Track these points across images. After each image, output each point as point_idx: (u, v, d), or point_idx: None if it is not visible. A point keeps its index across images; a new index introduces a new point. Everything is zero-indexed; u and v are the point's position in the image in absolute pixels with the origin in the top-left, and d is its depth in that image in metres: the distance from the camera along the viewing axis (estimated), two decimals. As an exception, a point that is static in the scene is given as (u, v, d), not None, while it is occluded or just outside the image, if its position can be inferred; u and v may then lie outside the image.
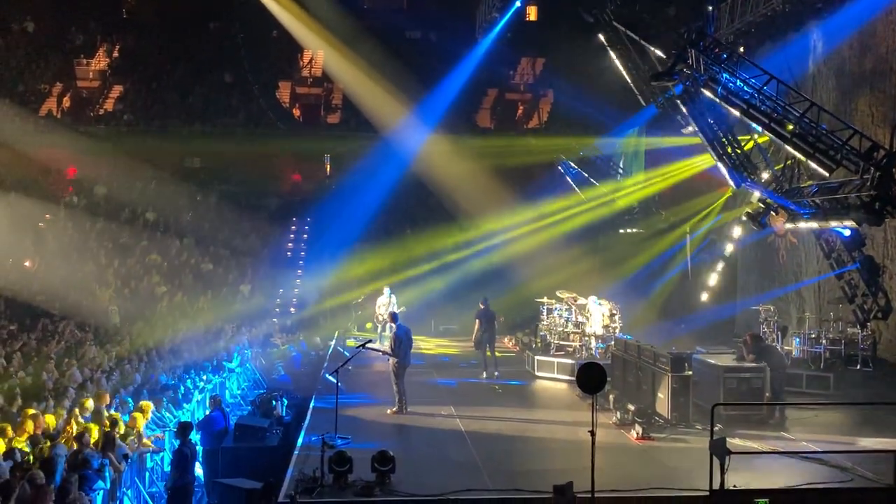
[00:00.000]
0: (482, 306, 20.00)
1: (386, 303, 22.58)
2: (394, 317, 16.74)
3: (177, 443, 12.40)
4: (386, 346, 17.16)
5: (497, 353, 19.96)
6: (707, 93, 17.04)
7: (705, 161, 21.59)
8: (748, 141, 18.56)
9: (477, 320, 19.79)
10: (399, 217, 30.93)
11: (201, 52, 36.01)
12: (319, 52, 35.36)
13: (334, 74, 34.42)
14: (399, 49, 32.77)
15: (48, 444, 11.35)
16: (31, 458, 10.90)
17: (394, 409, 15.39)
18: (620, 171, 30.41)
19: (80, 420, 12.72)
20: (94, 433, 11.82)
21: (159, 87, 35.11)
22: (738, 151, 18.00)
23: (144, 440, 13.35)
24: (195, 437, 13.08)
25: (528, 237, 28.51)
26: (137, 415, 13.40)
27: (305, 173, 34.02)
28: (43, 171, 31.61)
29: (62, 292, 24.78)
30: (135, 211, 30.48)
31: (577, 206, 29.33)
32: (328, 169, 34.41)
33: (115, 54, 36.49)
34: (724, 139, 18.06)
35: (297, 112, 36.40)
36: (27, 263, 27.22)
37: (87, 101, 35.49)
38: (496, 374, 19.32)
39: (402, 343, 15.69)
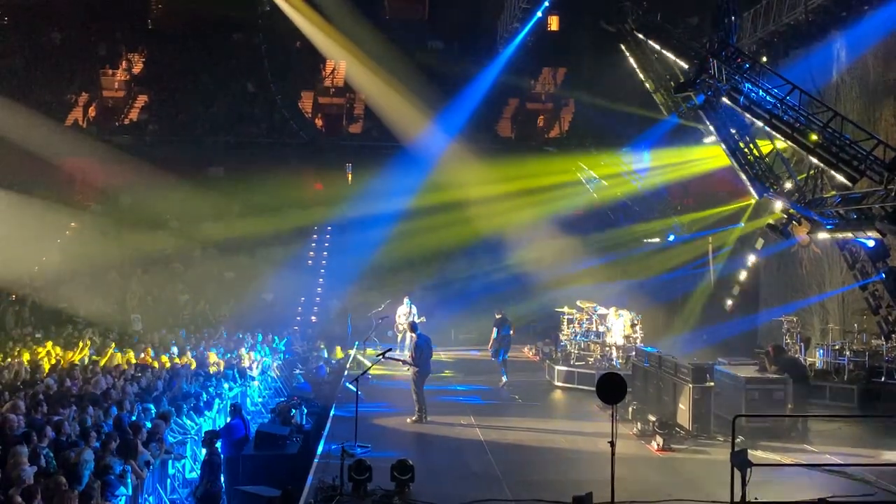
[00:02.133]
0: (498, 316, 20.25)
1: (406, 312, 22.62)
2: (413, 326, 16.77)
3: (204, 451, 12.49)
4: (406, 355, 17.20)
5: (515, 361, 19.96)
6: (729, 103, 16.98)
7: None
8: (768, 146, 18.45)
9: (494, 329, 20.03)
10: (419, 226, 30.94)
11: (225, 62, 36.36)
12: (342, 62, 35.58)
13: (356, 85, 34.62)
14: (421, 59, 32.93)
15: (73, 450, 11.45)
16: (55, 464, 11.00)
17: (413, 417, 15.40)
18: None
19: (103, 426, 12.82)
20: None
21: (183, 96, 35.48)
22: (761, 161, 17.92)
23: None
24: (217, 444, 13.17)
25: (549, 245, 28.46)
26: (160, 421, 13.51)
27: (327, 182, 34.20)
28: (69, 179, 32.02)
29: (87, 299, 25.06)
30: (159, 220, 30.75)
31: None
32: (350, 178, 34.58)
33: (140, 65, 36.92)
34: (745, 149, 17.99)
35: (319, 122, 36.63)
36: (36, 268, 27.61)
37: (112, 110, 35.91)
38: (504, 380, 19.42)
39: (422, 352, 15.73)
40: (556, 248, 28.40)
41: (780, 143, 17.89)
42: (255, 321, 25.64)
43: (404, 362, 16.83)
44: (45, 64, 35.26)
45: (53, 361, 18.80)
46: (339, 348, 23.39)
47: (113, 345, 20.83)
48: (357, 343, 22.67)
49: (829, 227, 16.46)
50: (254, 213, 30.58)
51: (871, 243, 16.64)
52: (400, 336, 22.31)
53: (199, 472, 12.98)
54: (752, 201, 20.78)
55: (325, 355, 23.76)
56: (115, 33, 37.10)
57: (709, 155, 24.30)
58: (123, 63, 36.87)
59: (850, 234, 16.27)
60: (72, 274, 26.71)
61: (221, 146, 33.17)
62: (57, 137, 31.42)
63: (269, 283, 29.05)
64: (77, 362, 18.48)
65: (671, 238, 27.24)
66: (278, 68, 35.83)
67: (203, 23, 35.57)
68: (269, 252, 30.18)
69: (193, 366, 18.99)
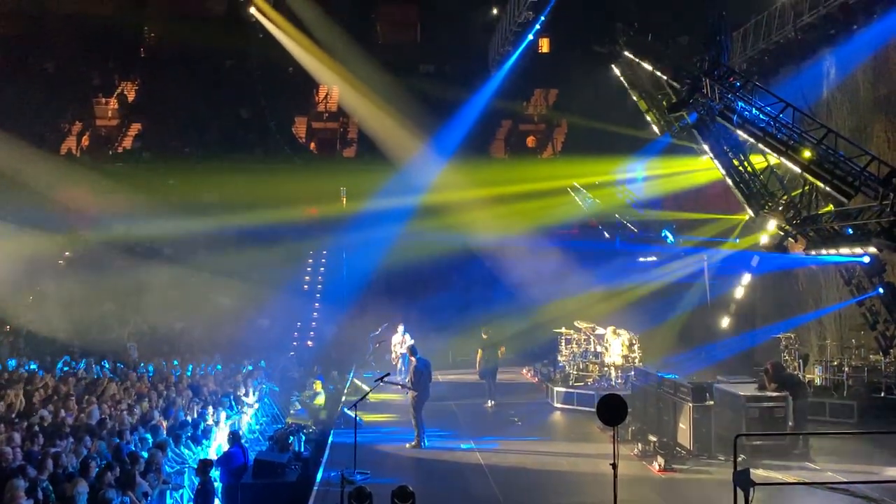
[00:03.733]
0: (485, 337, 20.50)
1: (400, 341, 22.60)
2: (413, 350, 16.71)
3: (197, 480, 12.37)
4: (406, 379, 17.14)
5: (514, 383, 19.94)
6: (723, 121, 17.05)
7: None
8: (762, 163, 18.50)
9: (479, 350, 20.26)
10: (415, 250, 30.93)
11: (218, 88, 36.47)
12: (335, 87, 35.73)
13: (350, 109, 34.75)
14: (413, 83, 33.06)
15: (69, 483, 11.33)
16: (53, 496, 10.88)
17: (412, 443, 15.32)
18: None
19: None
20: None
21: (177, 123, 35.55)
22: (756, 179, 17.96)
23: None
24: (214, 473, 13.04)
25: (545, 264, 28.45)
26: (157, 451, 13.38)
27: (322, 207, 34.19)
28: (62, 208, 31.94)
29: (82, 329, 24.92)
30: (153, 247, 30.67)
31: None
32: (344, 202, 34.57)
33: (134, 93, 37.01)
34: (739, 167, 18.03)
35: (313, 146, 36.70)
36: (31, 298, 27.47)
37: (105, 139, 35.94)
38: (491, 402, 19.59)
39: (421, 376, 15.68)
40: (552, 267, 28.37)
41: (774, 160, 17.95)
42: (251, 347, 25.51)
43: (403, 386, 16.76)
44: (37, 93, 35.30)
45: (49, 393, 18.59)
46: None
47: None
48: (353, 370, 22.58)
49: (824, 243, 16.48)
50: (248, 239, 30.51)
51: (866, 259, 16.68)
52: (397, 364, 22.20)
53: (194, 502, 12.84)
54: (745, 217, 20.77)
55: (323, 380, 23.32)
56: (108, 62, 37.22)
57: (702, 167, 24.36)
58: (117, 91, 36.96)
59: (846, 251, 16.28)
60: (67, 303, 26.56)
61: (215, 172, 33.17)
62: (50, 166, 31.40)
63: (265, 309, 28.96)
64: (72, 393, 18.29)
65: (669, 240, 27.11)
66: (272, 94, 35.95)
67: (196, 50, 35.69)
68: (264, 277, 30.10)
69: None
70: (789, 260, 19.89)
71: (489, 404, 19.61)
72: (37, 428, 14.38)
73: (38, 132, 33.43)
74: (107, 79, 37.10)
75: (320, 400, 20.80)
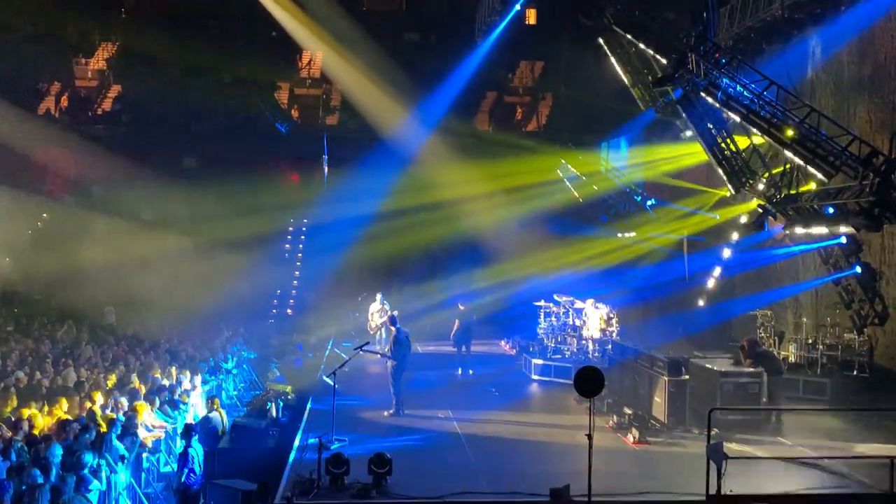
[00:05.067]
0: (462, 308, 21.04)
1: (378, 309, 22.59)
2: (393, 320, 16.79)
3: (182, 443, 12.38)
4: (385, 348, 17.21)
5: (492, 354, 20.09)
6: (707, 98, 17.06)
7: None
8: (745, 143, 18.56)
9: (456, 320, 20.70)
10: (397, 219, 30.85)
11: (200, 52, 35.90)
12: (318, 53, 35.31)
13: (333, 76, 34.37)
14: (398, 51, 32.74)
15: (44, 444, 11.29)
16: (28, 458, 10.85)
17: (391, 411, 15.40)
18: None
19: (77, 421, 12.66)
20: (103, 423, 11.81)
21: (157, 87, 35.01)
22: (738, 157, 18.03)
23: (145, 437, 13.35)
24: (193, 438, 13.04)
25: (525, 239, 28.53)
26: (133, 414, 13.37)
27: (303, 173, 34.00)
28: (40, 170, 31.53)
29: (59, 292, 24.73)
30: (132, 210, 30.38)
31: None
32: (326, 170, 34.36)
33: (114, 53, 36.41)
34: (722, 144, 18.09)
35: (295, 113, 36.35)
36: (7, 260, 27.23)
37: (85, 100, 35.41)
38: (471, 371, 20.03)
39: (401, 346, 15.74)
40: (534, 243, 28.45)
41: (758, 139, 18.02)
42: (230, 314, 25.43)
43: (382, 355, 16.83)
44: (15, 52, 34.63)
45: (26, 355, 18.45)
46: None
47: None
48: (332, 340, 22.61)
49: (803, 221, 16.61)
50: (228, 205, 30.30)
51: (844, 239, 16.85)
52: (375, 333, 22.19)
53: (174, 465, 12.85)
54: (725, 192, 20.84)
55: (302, 348, 23.26)
56: (87, 22, 36.53)
57: (684, 152, 24.46)
58: (97, 52, 36.36)
59: (824, 229, 16.42)
60: (44, 266, 26.35)
61: (195, 137, 32.82)
62: (28, 127, 30.94)
63: (244, 276, 28.83)
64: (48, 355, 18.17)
65: (649, 203, 27.25)
66: (254, 59, 35.44)
67: (177, 11, 35.10)
68: (244, 245, 29.95)
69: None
70: (767, 255, 20.17)
71: (459, 372, 20.05)
72: (13, 390, 14.31)
73: (17, 91, 32.85)
74: (86, 39, 36.42)
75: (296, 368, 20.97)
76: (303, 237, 32.01)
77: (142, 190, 30.73)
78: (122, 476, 11.81)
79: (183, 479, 11.44)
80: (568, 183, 30.89)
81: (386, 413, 15.40)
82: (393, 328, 16.35)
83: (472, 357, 20.93)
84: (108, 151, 30.07)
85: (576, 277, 25.26)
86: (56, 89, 35.15)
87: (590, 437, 9.94)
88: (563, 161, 31.00)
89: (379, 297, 23.11)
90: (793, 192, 17.04)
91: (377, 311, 22.57)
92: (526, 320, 23.64)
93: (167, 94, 34.51)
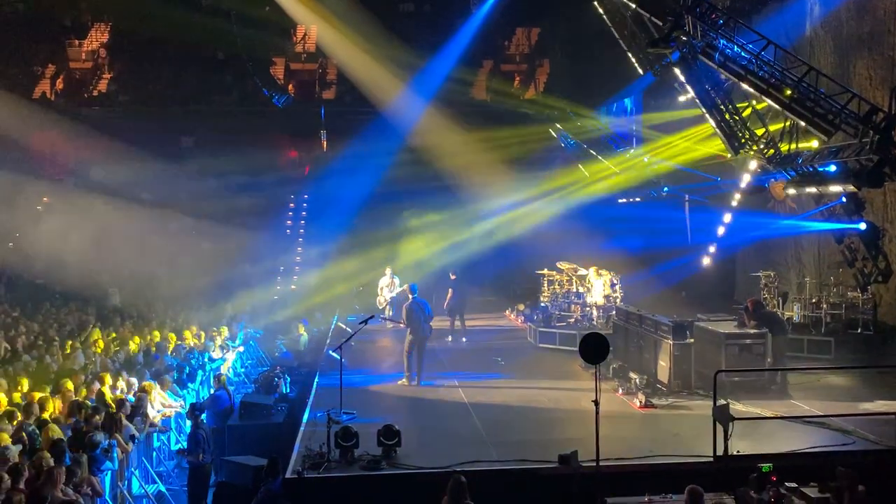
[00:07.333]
0: (453, 277, 21.16)
1: (388, 284, 22.57)
2: (412, 288, 16.84)
3: (190, 423, 12.49)
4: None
5: (496, 324, 20.17)
6: (704, 59, 16.92)
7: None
8: (746, 108, 18.43)
9: (449, 290, 20.83)
10: (397, 193, 30.77)
11: (194, 29, 35.61)
12: (313, 27, 35.02)
13: (328, 50, 34.11)
14: (393, 22, 32.46)
15: (56, 426, 11.39)
16: (40, 441, 10.94)
17: (402, 380, 15.60)
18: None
19: (87, 402, 12.75)
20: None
21: (152, 66, 34.80)
22: (737, 118, 17.92)
23: (155, 416, 13.46)
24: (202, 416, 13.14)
25: (530, 212, 28.43)
26: (143, 395, 13.46)
27: (302, 149, 33.87)
28: (39, 153, 31.42)
29: (63, 275, 24.78)
30: (131, 192, 30.31)
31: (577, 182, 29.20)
32: (325, 145, 34.23)
33: (107, 35, 36.15)
34: (721, 106, 17.97)
35: (291, 88, 36.14)
36: (10, 244, 27.26)
37: (80, 82, 35.22)
38: (464, 340, 20.36)
39: (412, 314, 15.79)
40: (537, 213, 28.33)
41: (759, 105, 17.88)
42: (234, 292, 25.50)
43: (394, 322, 17.01)
44: (8, 35, 34.39)
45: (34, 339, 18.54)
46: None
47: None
48: (336, 314, 22.66)
49: (805, 181, 16.56)
50: (228, 183, 30.25)
51: (845, 197, 16.80)
52: (384, 307, 22.15)
53: (185, 444, 12.97)
54: (728, 156, 20.73)
55: (307, 323, 23.27)
56: (79, 3, 36.23)
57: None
58: (90, 33, 36.08)
59: (826, 188, 16.39)
60: (47, 249, 26.35)
61: (192, 116, 32.66)
62: (24, 111, 30.79)
63: (247, 253, 28.87)
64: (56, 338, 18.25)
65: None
66: (248, 35, 35.15)
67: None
68: (245, 221, 29.94)
69: (174, 340, 18.80)
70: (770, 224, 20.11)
71: (450, 339, 20.28)
72: (23, 374, 14.40)
73: (11, 75, 32.67)
74: (79, 20, 36.14)
75: (303, 341, 21.05)
76: (304, 213, 31.95)
77: (141, 170, 30.64)
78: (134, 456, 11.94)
79: (194, 457, 11.56)
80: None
81: (399, 382, 15.56)
82: (410, 296, 16.41)
83: (474, 331, 21.01)
84: (106, 133, 29.95)
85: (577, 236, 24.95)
86: (51, 72, 34.93)
87: (596, 402, 9.99)
88: (559, 126, 30.83)
89: (388, 271, 23.07)
90: (793, 147, 16.93)
91: (386, 286, 22.56)
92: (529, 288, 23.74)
93: (162, 74, 34.36)
